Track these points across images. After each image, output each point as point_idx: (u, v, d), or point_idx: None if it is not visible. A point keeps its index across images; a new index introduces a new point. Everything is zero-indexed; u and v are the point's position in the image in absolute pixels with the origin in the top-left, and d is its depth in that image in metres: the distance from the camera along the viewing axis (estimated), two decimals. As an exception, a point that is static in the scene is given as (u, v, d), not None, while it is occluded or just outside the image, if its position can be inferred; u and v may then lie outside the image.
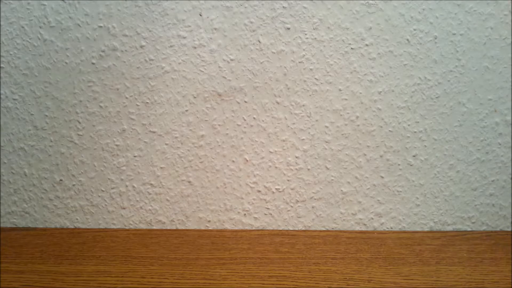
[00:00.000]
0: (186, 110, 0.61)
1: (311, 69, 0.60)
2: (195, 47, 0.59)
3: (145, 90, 0.60)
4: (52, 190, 0.63)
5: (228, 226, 0.63)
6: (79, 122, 0.61)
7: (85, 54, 0.59)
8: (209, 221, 0.63)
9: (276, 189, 0.63)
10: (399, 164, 0.62)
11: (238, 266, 0.52)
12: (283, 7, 0.58)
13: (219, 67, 0.60)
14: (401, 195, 0.63)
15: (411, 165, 0.62)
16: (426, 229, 0.64)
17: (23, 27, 0.59)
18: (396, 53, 0.59)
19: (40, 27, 0.58)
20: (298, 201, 0.63)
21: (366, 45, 0.59)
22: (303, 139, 0.61)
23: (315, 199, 0.63)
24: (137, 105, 0.60)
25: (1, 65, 0.59)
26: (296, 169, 0.62)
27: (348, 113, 0.61)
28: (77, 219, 0.63)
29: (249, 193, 0.63)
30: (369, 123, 0.61)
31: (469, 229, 0.64)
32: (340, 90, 0.60)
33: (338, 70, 0.60)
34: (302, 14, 0.58)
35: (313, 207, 0.63)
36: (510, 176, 0.63)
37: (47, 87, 0.60)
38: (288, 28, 0.59)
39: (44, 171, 0.62)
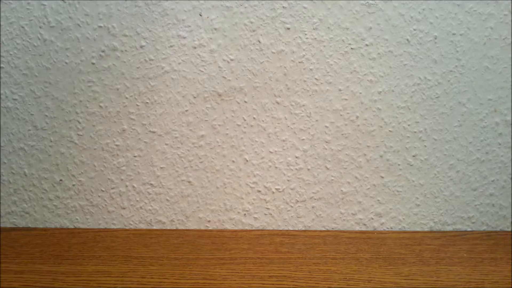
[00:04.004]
0: (186, 110, 0.61)
1: (311, 69, 0.60)
2: (195, 47, 0.59)
3: (145, 90, 0.60)
4: (52, 190, 0.63)
5: (228, 226, 0.63)
6: (79, 122, 0.61)
7: (85, 54, 0.59)
8: (209, 221, 0.63)
9: (276, 189, 0.63)
10: (399, 164, 0.62)
11: (238, 266, 0.52)
12: (283, 7, 0.58)
13: (219, 67, 0.60)
14: (401, 195, 0.63)
15: (411, 165, 0.62)
16: (426, 229, 0.64)
17: (23, 27, 0.59)
18: (396, 53, 0.59)
19: (40, 27, 0.58)
20: (298, 201, 0.63)
21: (366, 45, 0.59)
22: (303, 139, 0.61)
23: (315, 199, 0.63)
24: (137, 105, 0.60)
25: (1, 65, 0.59)
26: (296, 169, 0.62)
27: (348, 113, 0.61)
28: (77, 219, 0.63)
29: (249, 193, 0.63)
30: (369, 123, 0.61)
31: (469, 229, 0.64)
32: (340, 90, 0.60)
33: (338, 70, 0.60)
34: (302, 14, 0.58)
35: (313, 207, 0.63)
36: (510, 176, 0.63)
37: (47, 87, 0.60)
38: (288, 28, 0.59)
39: (44, 171, 0.62)
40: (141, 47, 0.59)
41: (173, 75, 0.60)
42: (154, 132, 0.61)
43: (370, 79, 0.60)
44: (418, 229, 0.64)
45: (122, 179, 0.62)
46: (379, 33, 0.59)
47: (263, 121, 0.61)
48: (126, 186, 0.62)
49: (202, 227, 0.64)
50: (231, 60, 0.59)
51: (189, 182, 0.62)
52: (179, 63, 0.59)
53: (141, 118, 0.61)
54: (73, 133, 0.61)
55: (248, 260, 0.54)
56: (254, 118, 0.61)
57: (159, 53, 0.59)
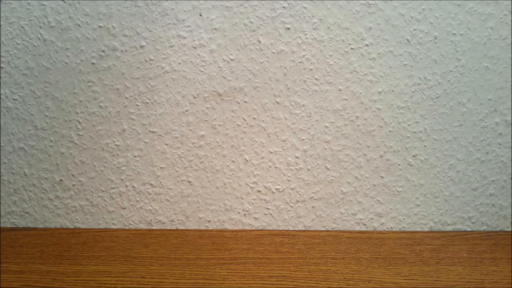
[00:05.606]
0: (186, 110, 0.61)
1: (311, 69, 0.60)
2: (195, 47, 0.59)
3: (145, 90, 0.60)
4: (52, 190, 0.63)
5: (228, 226, 0.63)
6: (79, 122, 0.61)
7: (85, 54, 0.59)
8: (209, 221, 0.63)
9: (276, 189, 0.63)
10: (399, 164, 0.62)
11: (238, 266, 0.52)
12: (283, 7, 0.58)
13: (219, 67, 0.60)
14: (401, 195, 0.63)
15: (411, 165, 0.62)
16: (426, 229, 0.64)
17: (23, 27, 0.59)
18: (396, 53, 0.59)
19: (40, 27, 0.58)
20: (298, 201, 0.63)
21: (366, 45, 0.59)
22: (303, 139, 0.61)
23: (315, 199, 0.63)
24: (137, 105, 0.60)
25: (1, 65, 0.59)
26: (296, 169, 0.62)
27: (348, 113, 0.61)
28: (77, 219, 0.63)
29: (249, 193, 0.63)
30: (369, 123, 0.61)
31: (469, 229, 0.64)
32: (340, 90, 0.60)
33: (338, 70, 0.60)
34: (302, 14, 0.58)
35: (313, 207, 0.63)
36: (510, 176, 0.63)
37: (47, 87, 0.60)
38: (288, 28, 0.59)
39: (44, 171, 0.62)
40: (141, 47, 0.59)
41: (173, 75, 0.60)
42: (154, 132, 0.61)
43: (370, 79, 0.60)
44: (418, 229, 0.64)
45: (122, 179, 0.62)
46: (379, 33, 0.59)
47: (263, 121, 0.61)
48: (126, 186, 0.62)
49: (202, 227, 0.64)
50: (231, 60, 0.59)
51: (189, 182, 0.62)
52: (179, 63, 0.59)
53: (141, 118, 0.61)
54: (73, 133, 0.61)
55: (248, 260, 0.54)
56: (254, 118, 0.61)
57: (159, 53, 0.59)
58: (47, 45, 0.59)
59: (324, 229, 0.64)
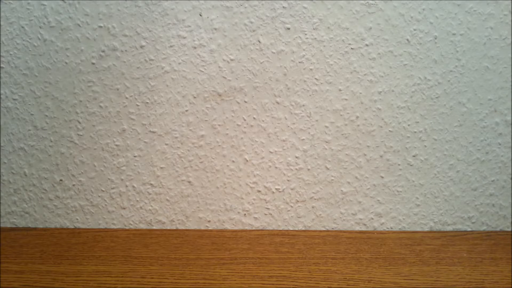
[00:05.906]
0: (186, 110, 0.61)
1: (311, 69, 0.60)
2: (195, 47, 0.59)
3: (145, 90, 0.60)
4: (52, 190, 0.63)
5: (228, 226, 0.63)
6: (79, 122, 0.61)
7: (85, 54, 0.59)
8: (209, 221, 0.63)
9: (276, 189, 0.63)
10: (399, 164, 0.62)
11: (238, 266, 0.52)
12: (283, 7, 0.58)
13: (219, 67, 0.60)
14: (401, 195, 0.63)
15: (411, 165, 0.62)
16: (426, 229, 0.64)
17: (23, 27, 0.59)
18: (396, 53, 0.59)
19: (40, 27, 0.58)
20: (298, 201, 0.63)
21: (366, 45, 0.59)
22: (303, 139, 0.61)
23: (315, 199, 0.63)
24: (137, 105, 0.60)
25: (1, 65, 0.59)
26: (296, 169, 0.62)
27: (348, 113, 0.61)
28: (77, 219, 0.63)
29: (249, 193, 0.63)
30: (369, 123, 0.61)
31: (469, 229, 0.64)
32: (340, 90, 0.60)
33: (338, 70, 0.60)
34: (302, 14, 0.58)
35: (313, 207, 0.63)
36: (510, 176, 0.63)
37: (47, 87, 0.60)
38: (288, 28, 0.59)
39: (44, 171, 0.62)
40: (141, 47, 0.59)
41: (173, 75, 0.60)
42: (154, 132, 0.61)
43: (370, 79, 0.60)
44: (418, 229, 0.64)
45: (122, 179, 0.62)
46: (379, 33, 0.59)
47: (263, 121, 0.61)
48: (126, 186, 0.62)
49: (202, 227, 0.64)
50: (231, 60, 0.59)
51: (189, 182, 0.62)
52: (179, 63, 0.59)
53: (141, 118, 0.61)
54: (73, 133, 0.61)
55: (248, 260, 0.54)
56: (254, 118, 0.61)
57: (159, 53, 0.59)
58: (47, 45, 0.59)
59: (324, 229, 0.64)
